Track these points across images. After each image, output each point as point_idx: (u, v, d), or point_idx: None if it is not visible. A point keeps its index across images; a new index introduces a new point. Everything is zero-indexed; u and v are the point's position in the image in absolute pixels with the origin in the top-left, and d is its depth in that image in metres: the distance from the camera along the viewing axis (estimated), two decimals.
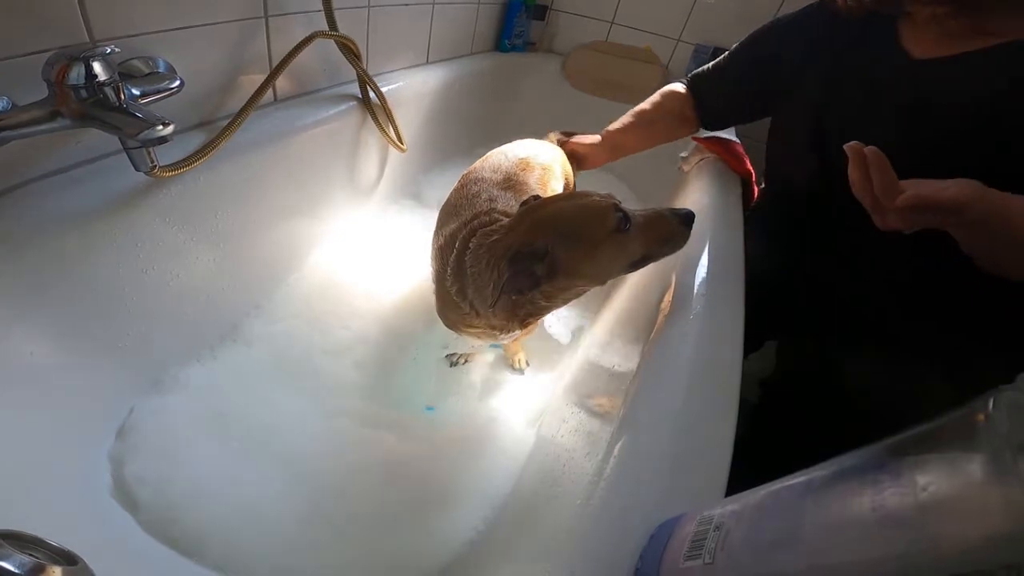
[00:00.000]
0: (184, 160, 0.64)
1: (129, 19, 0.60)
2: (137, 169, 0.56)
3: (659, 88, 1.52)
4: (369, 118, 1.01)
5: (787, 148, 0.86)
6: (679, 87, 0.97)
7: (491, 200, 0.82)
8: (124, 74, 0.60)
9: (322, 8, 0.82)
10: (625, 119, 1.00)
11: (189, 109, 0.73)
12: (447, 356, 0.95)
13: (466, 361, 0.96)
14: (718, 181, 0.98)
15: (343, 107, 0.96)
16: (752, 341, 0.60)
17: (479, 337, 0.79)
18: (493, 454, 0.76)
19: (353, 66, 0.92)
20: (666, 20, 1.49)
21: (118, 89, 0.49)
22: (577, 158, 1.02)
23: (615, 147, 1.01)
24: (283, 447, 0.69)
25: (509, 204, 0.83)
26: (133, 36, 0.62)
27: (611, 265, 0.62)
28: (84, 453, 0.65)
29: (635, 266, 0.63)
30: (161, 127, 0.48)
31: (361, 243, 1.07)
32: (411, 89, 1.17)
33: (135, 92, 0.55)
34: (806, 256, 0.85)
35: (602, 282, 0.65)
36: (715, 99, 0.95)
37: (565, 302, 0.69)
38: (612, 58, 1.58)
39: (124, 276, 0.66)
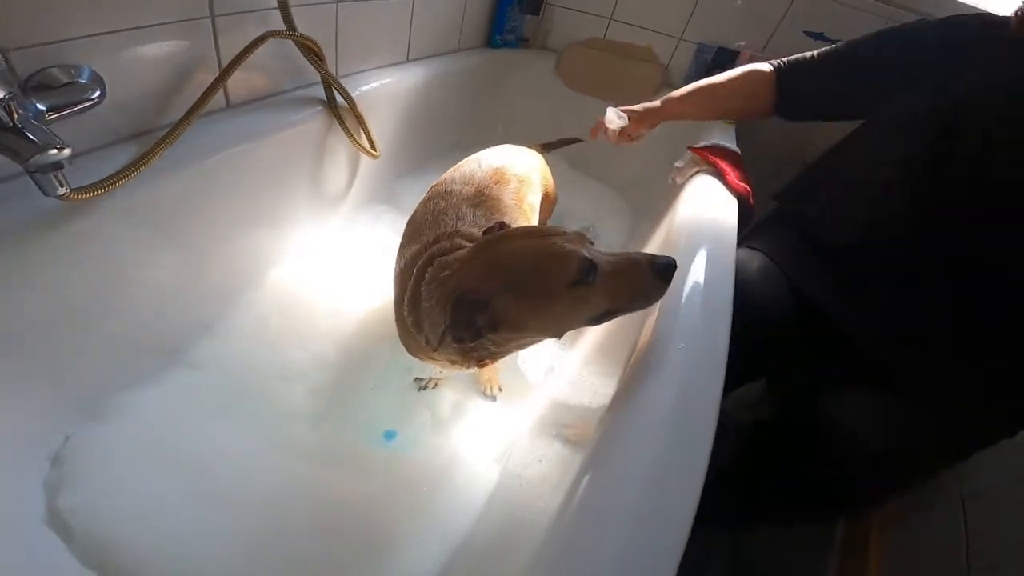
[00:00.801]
0: (107, 179, 0.59)
1: (47, 24, 0.55)
2: (45, 194, 0.51)
3: (658, 87, 1.47)
4: (336, 123, 0.95)
5: (872, 160, 0.79)
6: (765, 67, 0.92)
7: (458, 219, 0.76)
8: (42, 85, 0.55)
9: (277, 5, 0.76)
10: (696, 88, 0.96)
11: (123, 120, 0.68)
12: (415, 379, 0.90)
13: (435, 385, 0.91)
14: (713, 198, 0.92)
15: (306, 112, 0.90)
16: (735, 375, 0.55)
17: (441, 367, 0.74)
18: (452, 492, 0.72)
19: (315, 68, 0.86)
20: (667, 17, 1.41)
21: (10, 108, 0.43)
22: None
23: (675, 115, 0.99)
24: (225, 482, 0.65)
25: (477, 223, 0.77)
26: (53, 43, 0.56)
27: (566, 321, 0.56)
28: (16, 480, 0.62)
29: (597, 320, 0.56)
30: (55, 151, 0.43)
31: (327, 257, 1.02)
32: (387, 89, 1.11)
33: (40, 107, 0.50)
34: (825, 286, 0.79)
35: (557, 336, 0.59)
36: (806, 90, 0.89)
37: (522, 347, 0.63)
38: (609, 56, 1.50)
39: (56, 298, 0.62)
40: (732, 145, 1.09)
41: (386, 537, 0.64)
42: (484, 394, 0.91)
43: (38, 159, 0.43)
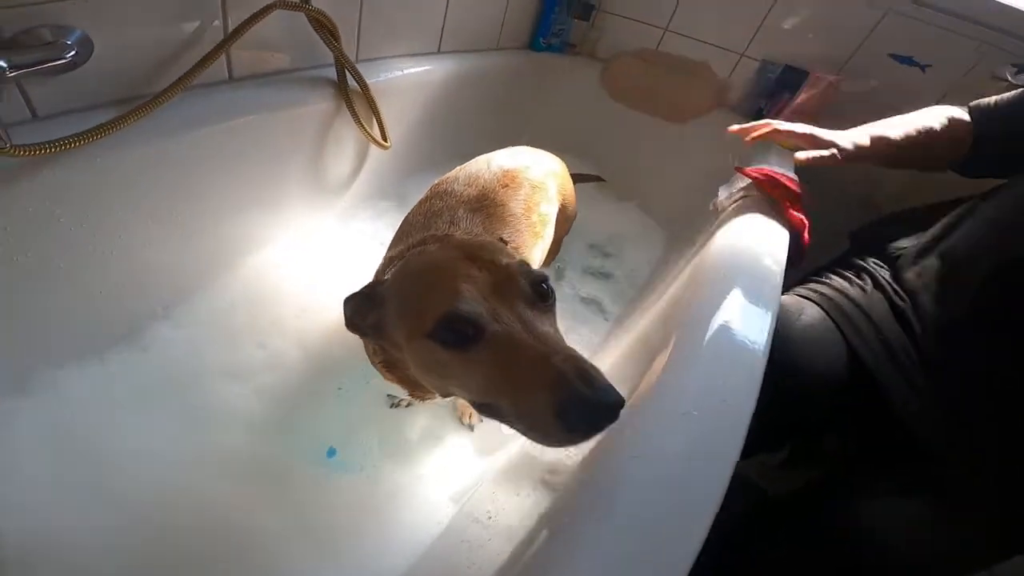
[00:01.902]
0: (65, 139, 0.56)
1: None
2: None
3: (711, 106, 1.36)
4: (345, 108, 0.91)
5: None
6: (961, 114, 0.80)
7: (452, 223, 0.69)
8: (20, 43, 0.55)
9: None
10: (909, 131, 0.81)
11: (114, 85, 0.66)
12: (388, 395, 0.83)
13: (408, 405, 0.83)
14: (759, 228, 0.80)
15: (314, 93, 0.87)
16: (755, 441, 0.45)
17: (402, 387, 0.67)
18: (391, 527, 0.64)
19: (328, 46, 0.83)
20: (730, 30, 1.31)
21: None
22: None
23: (882, 161, 0.84)
24: (127, 481, 0.59)
25: (473, 230, 0.70)
26: (46, 2, 0.55)
27: (429, 378, 0.44)
28: None
29: (477, 407, 0.42)
30: None
31: (316, 250, 0.98)
32: (411, 80, 1.08)
33: (2, 64, 0.50)
34: (902, 362, 0.67)
35: (440, 393, 0.48)
36: (1003, 141, 0.76)
37: (436, 388, 0.48)
38: (660, 69, 1.42)
39: (3, 258, 0.58)
40: (790, 171, 0.98)
41: (293, 571, 0.56)
42: (460, 422, 0.82)
43: None
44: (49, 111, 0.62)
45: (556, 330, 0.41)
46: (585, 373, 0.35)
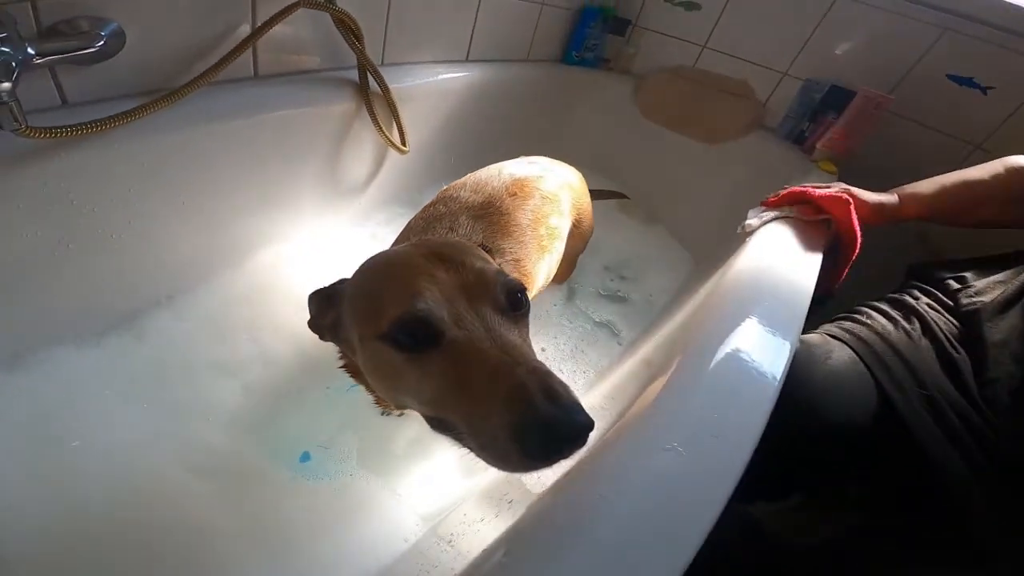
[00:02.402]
0: (78, 125, 0.58)
1: None
2: (1, 128, 0.52)
3: (749, 126, 1.31)
4: (365, 110, 0.93)
5: None
6: None
7: (451, 229, 0.69)
8: (56, 31, 0.58)
9: None
10: (952, 184, 0.79)
11: (142, 76, 0.69)
12: None
13: (400, 414, 0.81)
14: (786, 252, 0.75)
15: (336, 93, 0.89)
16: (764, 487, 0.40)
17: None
18: (350, 543, 0.61)
19: (351, 47, 0.86)
20: (772, 48, 1.27)
21: None
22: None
23: (917, 217, 0.81)
24: (92, 467, 0.59)
25: (474, 238, 0.69)
26: None
27: (383, 383, 0.42)
28: None
29: (429, 421, 0.40)
30: None
31: (324, 250, 0.99)
32: (437, 86, 1.09)
33: (31, 52, 0.52)
34: (951, 424, 0.60)
35: (394, 403, 0.45)
36: None
37: (397, 402, 0.45)
38: (697, 88, 1.39)
39: (11, 238, 0.61)
40: (832, 188, 0.92)
41: (242, 572, 0.55)
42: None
43: None
44: (78, 99, 0.65)
45: (526, 341, 0.39)
46: (550, 388, 0.32)
